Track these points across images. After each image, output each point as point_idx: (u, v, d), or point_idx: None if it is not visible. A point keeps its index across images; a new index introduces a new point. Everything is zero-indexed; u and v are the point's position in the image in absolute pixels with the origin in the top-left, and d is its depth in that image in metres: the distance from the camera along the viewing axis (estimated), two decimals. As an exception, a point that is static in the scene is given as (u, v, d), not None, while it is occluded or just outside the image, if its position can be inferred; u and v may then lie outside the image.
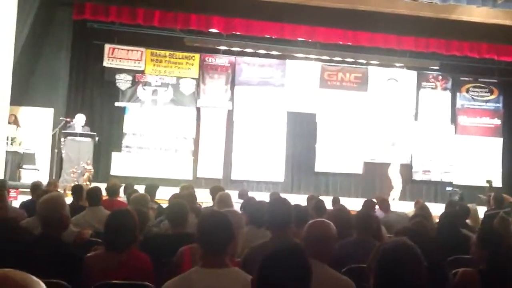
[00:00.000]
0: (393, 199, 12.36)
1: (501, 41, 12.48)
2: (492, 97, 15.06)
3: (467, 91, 15.00)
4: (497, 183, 14.25)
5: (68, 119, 11.33)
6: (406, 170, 14.40)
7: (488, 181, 12.78)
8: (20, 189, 8.94)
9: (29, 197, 6.64)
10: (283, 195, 6.57)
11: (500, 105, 15.07)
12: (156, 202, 6.62)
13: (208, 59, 13.94)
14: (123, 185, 7.38)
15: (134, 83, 13.52)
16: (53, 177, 10.70)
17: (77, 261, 3.14)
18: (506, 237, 3.63)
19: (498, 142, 14.86)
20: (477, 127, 14.89)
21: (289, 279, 1.89)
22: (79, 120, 11.35)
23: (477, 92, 15.02)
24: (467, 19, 11.06)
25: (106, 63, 13.28)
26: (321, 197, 6.82)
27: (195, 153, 13.69)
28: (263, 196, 7.24)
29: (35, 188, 6.34)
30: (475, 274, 3.37)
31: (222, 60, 14.00)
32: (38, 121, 11.49)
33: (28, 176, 10.45)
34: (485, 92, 15.05)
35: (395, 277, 2.03)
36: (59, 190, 7.84)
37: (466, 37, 12.32)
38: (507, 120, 15.06)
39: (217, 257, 2.58)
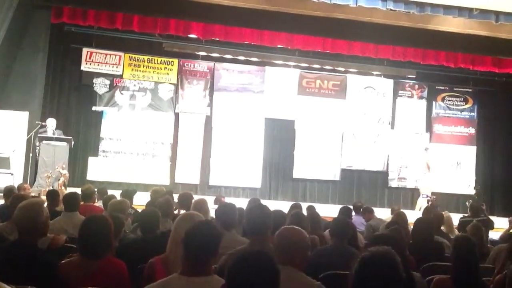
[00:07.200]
0: None
1: (476, 51, 12.67)
2: (467, 106, 15.31)
3: (443, 100, 15.22)
4: (471, 191, 14.49)
5: (43, 123, 11.19)
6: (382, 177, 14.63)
7: (476, 189, 13.18)
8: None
9: (2, 201, 6.53)
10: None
11: (474, 114, 15.33)
12: (132, 208, 6.56)
13: (187, 65, 13.90)
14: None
15: (112, 87, 13.41)
16: (28, 182, 10.53)
17: (51, 268, 3.10)
18: (477, 245, 3.68)
19: (472, 151, 15.11)
20: (451, 136, 15.12)
21: (256, 282, 1.89)
22: (51, 124, 11.21)
23: (452, 101, 15.25)
24: (444, 29, 11.20)
25: (83, 67, 13.15)
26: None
27: (173, 158, 13.62)
28: (240, 202, 7.23)
29: (8, 192, 6.24)
30: (449, 281, 3.42)
31: (201, 65, 13.96)
32: (12, 124, 11.27)
33: (2, 180, 10.25)
34: (460, 101, 15.29)
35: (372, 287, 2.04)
36: (32, 194, 7.73)
37: (442, 47, 12.48)
38: (481, 129, 15.33)
39: (199, 264, 2.54)
